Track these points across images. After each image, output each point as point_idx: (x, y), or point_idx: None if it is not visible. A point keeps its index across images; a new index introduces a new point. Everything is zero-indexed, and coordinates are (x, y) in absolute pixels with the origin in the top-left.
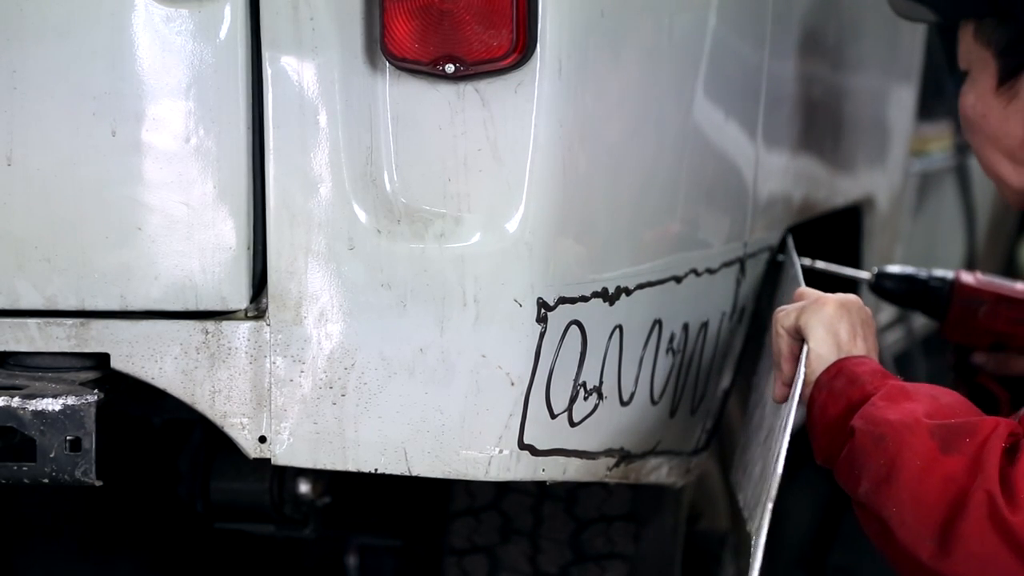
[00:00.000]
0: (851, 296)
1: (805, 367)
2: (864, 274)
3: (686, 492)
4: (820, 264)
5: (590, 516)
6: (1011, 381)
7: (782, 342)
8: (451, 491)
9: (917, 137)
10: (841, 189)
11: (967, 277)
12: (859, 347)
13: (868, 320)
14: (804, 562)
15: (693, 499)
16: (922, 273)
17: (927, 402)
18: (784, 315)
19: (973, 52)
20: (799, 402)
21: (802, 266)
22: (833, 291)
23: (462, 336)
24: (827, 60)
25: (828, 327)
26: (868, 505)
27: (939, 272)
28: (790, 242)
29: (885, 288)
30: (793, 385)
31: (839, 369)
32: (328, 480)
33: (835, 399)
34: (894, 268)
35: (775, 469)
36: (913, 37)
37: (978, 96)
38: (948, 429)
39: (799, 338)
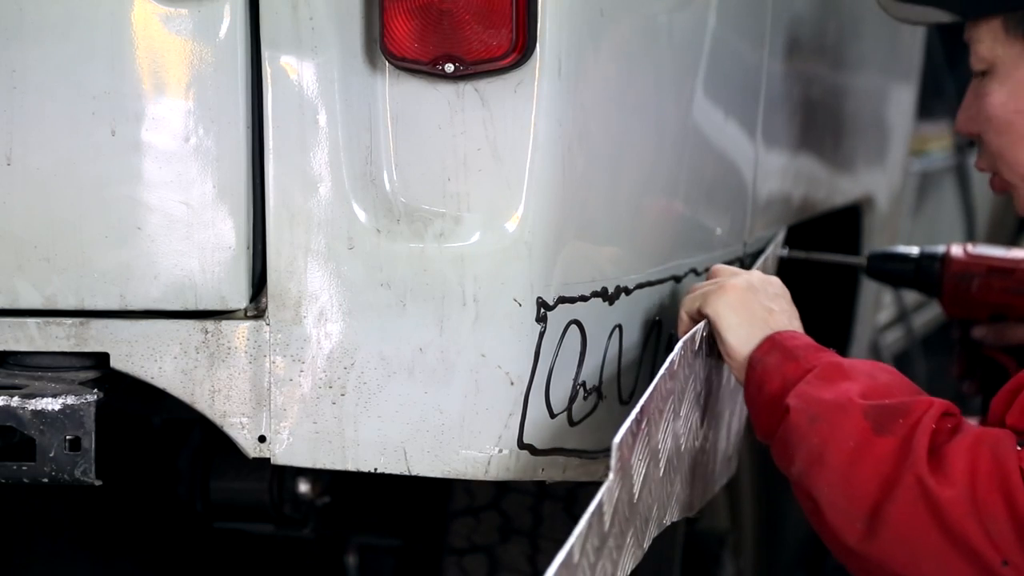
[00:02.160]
0: (754, 273)
1: (727, 354)
2: (857, 259)
3: None
4: (813, 255)
5: None
6: (1017, 350)
7: (682, 327)
8: (451, 491)
9: (917, 137)
10: (841, 189)
11: (957, 251)
12: (780, 322)
13: (780, 292)
14: (804, 562)
15: None
16: (913, 251)
17: (863, 381)
18: (689, 299)
19: (1001, 48)
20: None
21: (797, 258)
22: (827, 280)
23: (461, 336)
24: (827, 60)
25: (738, 310)
26: (800, 485)
27: (930, 248)
28: (779, 236)
29: (878, 270)
30: (669, 361)
31: (772, 344)
32: (328, 480)
33: (770, 376)
34: (884, 249)
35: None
36: (913, 37)
37: (1011, 93)
38: (882, 410)
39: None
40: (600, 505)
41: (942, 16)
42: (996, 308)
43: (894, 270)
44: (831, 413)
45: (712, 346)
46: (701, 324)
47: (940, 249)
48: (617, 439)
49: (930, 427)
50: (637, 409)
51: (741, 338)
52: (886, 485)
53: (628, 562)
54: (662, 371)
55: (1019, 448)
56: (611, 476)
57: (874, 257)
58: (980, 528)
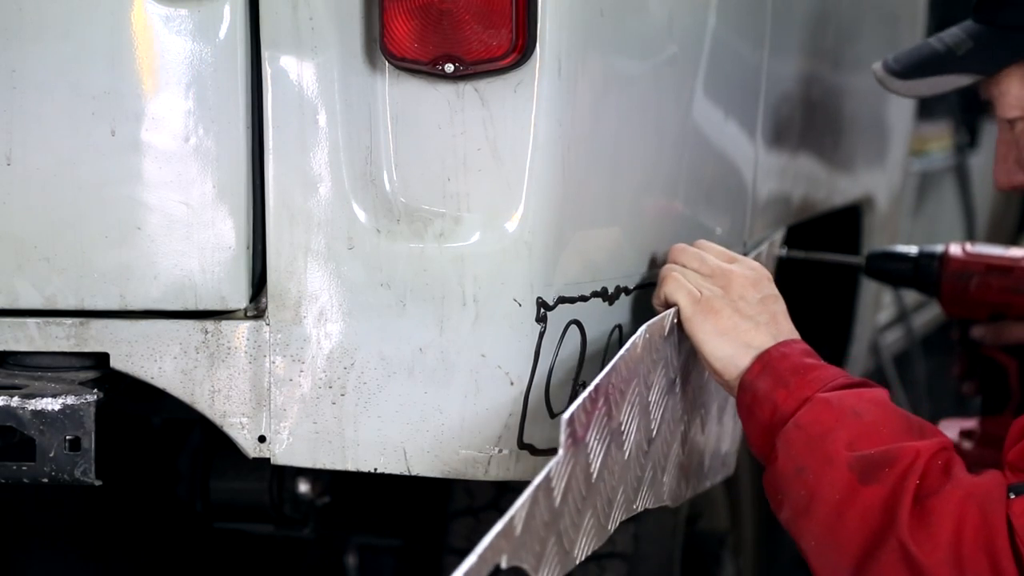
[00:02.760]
0: (733, 273)
1: (713, 375)
2: (855, 259)
3: None
4: (812, 254)
5: None
6: (1016, 349)
7: (656, 303)
8: (451, 491)
9: (917, 137)
10: (840, 188)
11: (955, 250)
12: (763, 337)
13: (757, 285)
14: (804, 562)
15: (693, 499)
16: (912, 251)
17: (850, 425)
18: (670, 291)
19: None
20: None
21: (795, 258)
22: (827, 280)
23: (461, 336)
24: (827, 60)
25: (722, 334)
26: (790, 531)
27: (929, 248)
28: (777, 235)
29: (877, 270)
30: (631, 343)
31: (763, 365)
32: (327, 480)
33: (760, 403)
34: (883, 249)
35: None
36: (913, 37)
37: None
38: (867, 461)
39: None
40: (548, 479)
41: (961, 80)
42: (995, 307)
43: (892, 269)
44: (817, 466)
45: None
46: (672, 311)
47: (939, 248)
48: (567, 415)
49: (915, 481)
50: (592, 387)
51: (727, 364)
52: (870, 542)
53: (588, 543)
54: (622, 351)
55: (1010, 497)
56: (560, 452)
57: (873, 256)
58: None
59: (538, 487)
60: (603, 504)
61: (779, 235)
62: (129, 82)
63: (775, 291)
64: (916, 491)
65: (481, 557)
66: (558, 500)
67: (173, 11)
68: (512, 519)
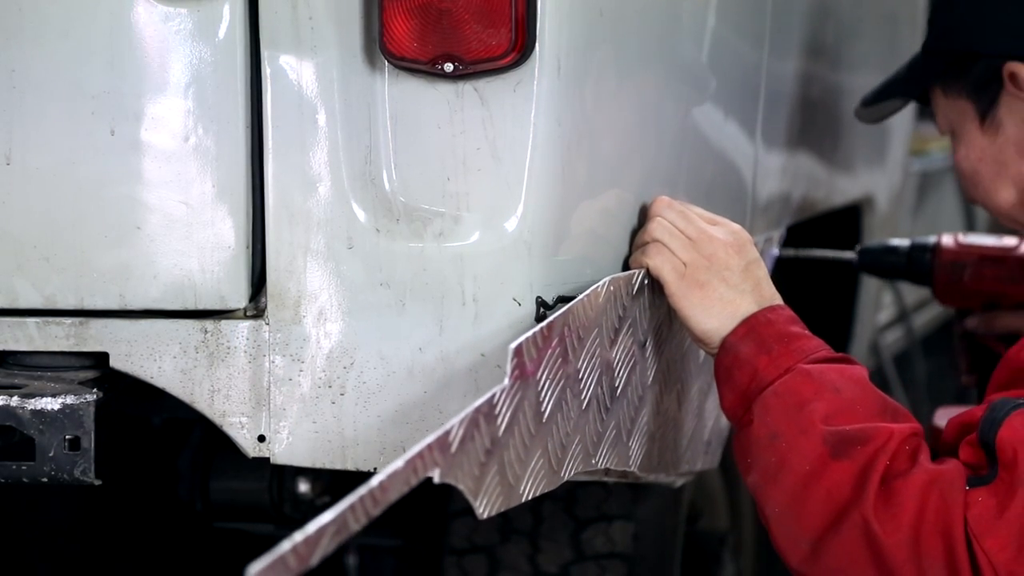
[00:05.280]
0: (715, 240)
1: (694, 339)
2: (848, 254)
3: (686, 492)
4: (804, 251)
5: (589, 515)
6: (1011, 338)
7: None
8: (451, 491)
9: (917, 137)
10: (840, 188)
11: (948, 240)
12: (747, 304)
13: (733, 257)
14: None
15: (693, 499)
16: (904, 243)
17: (828, 399)
18: (654, 265)
19: (949, 110)
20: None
21: (787, 256)
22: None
23: (461, 335)
24: (826, 59)
25: (706, 305)
26: (755, 495)
27: (921, 239)
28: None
29: (870, 264)
30: (591, 289)
31: (748, 329)
32: (327, 479)
33: (741, 366)
34: (876, 243)
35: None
36: (913, 37)
37: (967, 144)
38: (841, 436)
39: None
40: (492, 405)
41: (897, 104)
42: (989, 297)
43: (885, 262)
44: (792, 435)
45: (660, 297)
46: (641, 271)
47: (931, 239)
48: (515, 344)
49: (884, 462)
50: (544, 323)
51: (713, 335)
52: (834, 515)
53: (536, 483)
54: (581, 296)
55: (967, 488)
56: (506, 380)
57: (865, 251)
58: (918, 573)
59: (478, 409)
60: (555, 447)
61: (778, 234)
62: (129, 82)
63: (756, 255)
64: (885, 471)
65: (409, 463)
66: (501, 429)
67: (173, 11)
68: (448, 433)
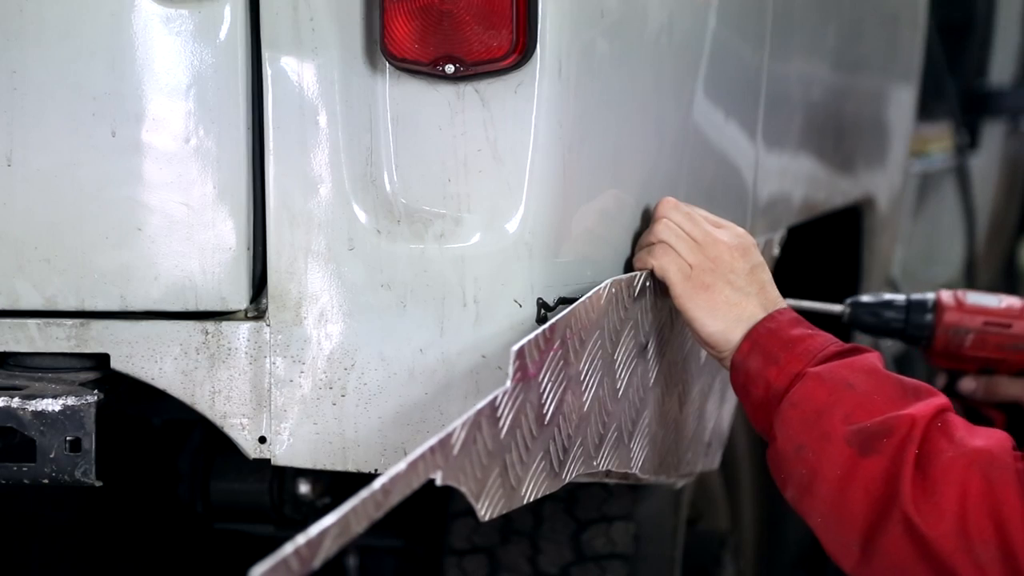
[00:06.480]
0: (719, 243)
1: (705, 348)
2: (837, 308)
3: (686, 492)
4: (791, 302)
5: (590, 516)
6: (1009, 405)
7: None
8: (451, 492)
9: (917, 137)
10: (841, 189)
11: (948, 300)
12: (753, 309)
13: (738, 260)
14: (804, 562)
15: (693, 499)
16: (899, 299)
17: (844, 398)
18: (659, 267)
19: None
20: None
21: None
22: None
23: (462, 337)
24: (827, 61)
25: (713, 309)
26: (797, 509)
27: (917, 296)
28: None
29: (861, 321)
30: (594, 291)
31: (752, 344)
32: (328, 480)
33: (754, 381)
34: (868, 297)
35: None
36: (913, 37)
37: None
38: (865, 433)
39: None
40: (494, 407)
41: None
42: (986, 363)
43: (879, 323)
44: (816, 443)
45: (662, 299)
46: (643, 273)
47: (929, 297)
48: (517, 346)
49: (913, 451)
50: (547, 325)
51: (719, 339)
52: (876, 513)
53: (538, 485)
54: (583, 298)
55: (1017, 451)
56: (508, 383)
57: (857, 305)
58: (970, 560)
59: (481, 411)
60: (557, 449)
61: (778, 236)
62: (130, 83)
63: (761, 258)
64: (916, 460)
65: (412, 465)
66: (504, 431)
67: (173, 12)
68: (450, 436)
